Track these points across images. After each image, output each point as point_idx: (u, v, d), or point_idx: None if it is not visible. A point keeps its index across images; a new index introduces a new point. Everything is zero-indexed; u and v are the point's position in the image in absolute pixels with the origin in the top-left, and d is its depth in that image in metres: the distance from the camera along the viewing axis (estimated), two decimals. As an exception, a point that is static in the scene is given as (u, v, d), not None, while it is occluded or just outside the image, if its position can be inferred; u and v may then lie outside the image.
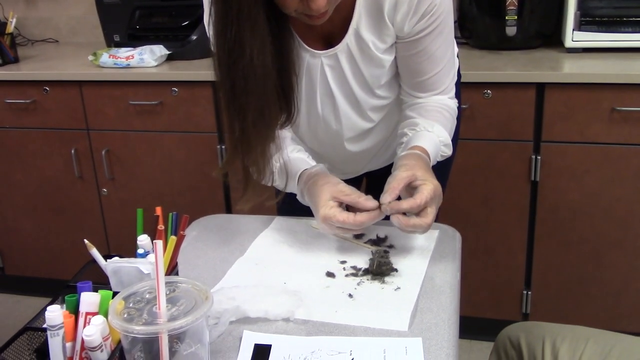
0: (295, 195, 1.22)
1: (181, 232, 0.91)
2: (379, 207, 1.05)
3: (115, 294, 0.77)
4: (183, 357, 0.74)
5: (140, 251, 0.94)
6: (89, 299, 0.77)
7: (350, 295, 1.01)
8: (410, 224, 1.03)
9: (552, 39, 2.29)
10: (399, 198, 1.05)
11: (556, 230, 2.10)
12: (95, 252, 0.91)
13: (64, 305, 0.79)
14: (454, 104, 1.27)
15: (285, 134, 1.24)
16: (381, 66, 1.20)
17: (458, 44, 1.36)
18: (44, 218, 2.65)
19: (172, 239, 0.90)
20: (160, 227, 0.88)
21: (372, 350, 0.87)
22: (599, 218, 2.05)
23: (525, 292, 2.20)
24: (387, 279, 1.05)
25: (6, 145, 2.56)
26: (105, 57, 2.36)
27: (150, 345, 0.72)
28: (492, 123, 2.04)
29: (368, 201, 1.05)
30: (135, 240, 0.95)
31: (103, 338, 0.75)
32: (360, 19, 1.14)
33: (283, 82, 1.12)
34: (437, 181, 1.07)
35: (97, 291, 0.78)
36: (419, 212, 1.04)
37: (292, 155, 1.21)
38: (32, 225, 2.68)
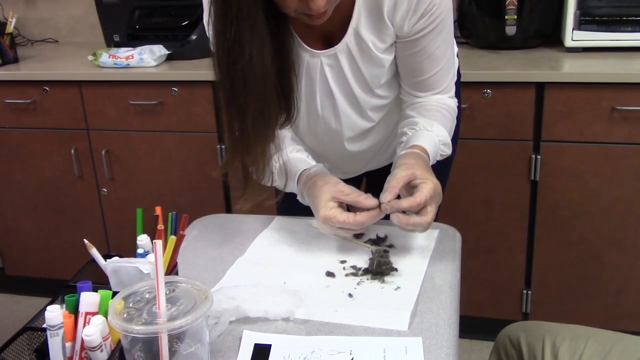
0: (294, 194, 1.22)
1: (181, 232, 0.91)
2: (379, 205, 1.05)
3: (115, 293, 0.77)
4: (183, 357, 0.74)
5: (140, 251, 0.94)
6: (88, 299, 0.77)
7: (350, 295, 1.01)
8: (410, 223, 1.03)
9: (551, 38, 2.29)
10: (398, 197, 1.05)
11: (556, 230, 2.10)
12: (94, 252, 0.91)
13: (64, 305, 0.79)
14: (453, 103, 1.27)
15: (285, 134, 1.24)
16: (381, 66, 1.20)
17: (458, 43, 1.36)
18: (44, 218, 2.65)
19: (172, 239, 0.90)
20: (160, 226, 0.88)
21: (372, 350, 0.87)
22: (599, 217, 2.05)
23: (525, 291, 2.20)
24: (387, 278, 1.05)
25: (6, 145, 2.56)
26: (105, 57, 2.36)
27: (150, 345, 0.72)
28: (492, 122, 2.04)
29: (368, 200, 1.05)
30: (135, 240, 0.95)
31: (103, 338, 0.75)
32: (359, 18, 1.14)
33: (282, 82, 1.12)
34: (437, 180, 1.07)
35: (96, 291, 0.78)
36: (418, 210, 1.04)
37: (291, 155, 1.21)
38: (32, 225, 2.68)
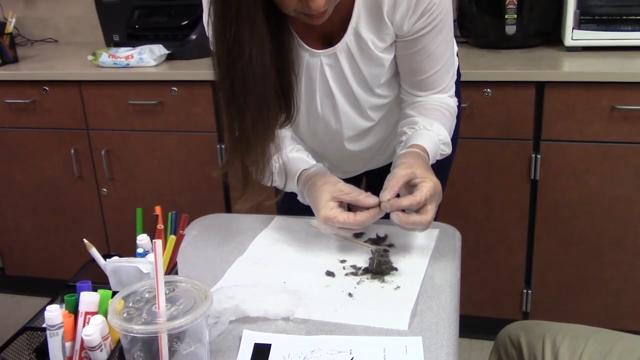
0: (294, 194, 1.22)
1: (180, 232, 0.90)
2: (379, 204, 1.04)
3: (114, 293, 0.77)
4: (183, 357, 0.74)
5: (139, 250, 0.94)
6: (88, 299, 0.77)
7: (350, 295, 1.01)
8: (410, 221, 1.03)
9: (551, 37, 2.29)
10: (398, 196, 1.05)
11: (556, 229, 2.10)
12: (94, 252, 0.91)
13: (64, 304, 0.79)
14: (453, 102, 1.27)
15: (285, 134, 1.24)
16: (381, 65, 1.20)
17: (457, 42, 1.36)
18: (44, 218, 2.65)
19: (172, 239, 0.90)
20: (160, 226, 0.88)
21: (372, 349, 0.87)
22: (599, 217, 2.05)
23: (525, 290, 2.20)
24: (387, 278, 1.05)
25: (6, 145, 2.56)
26: (105, 57, 2.36)
27: (150, 344, 0.72)
28: (492, 122, 2.04)
29: (368, 198, 1.05)
30: (135, 239, 0.94)
31: (102, 337, 0.75)
32: (359, 18, 1.14)
33: (282, 81, 1.12)
34: (437, 179, 1.07)
35: (96, 291, 0.78)
36: (418, 209, 1.04)
37: (291, 155, 1.21)
38: (31, 225, 2.68)
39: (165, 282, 0.75)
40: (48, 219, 2.65)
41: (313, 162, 1.21)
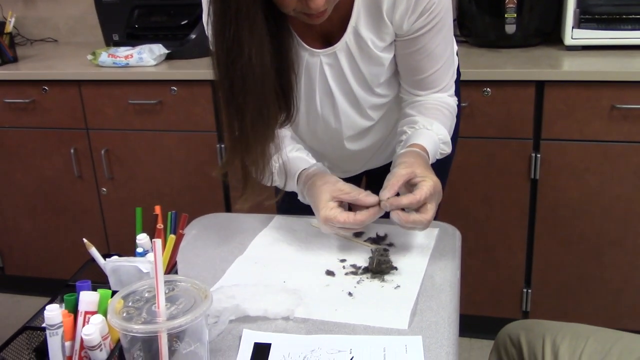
0: (294, 194, 1.21)
1: (180, 231, 0.90)
2: (379, 203, 1.04)
3: (114, 293, 0.77)
4: (182, 356, 0.74)
5: (139, 250, 0.94)
6: (88, 298, 0.77)
7: (350, 294, 1.01)
8: (410, 220, 1.03)
9: (551, 36, 2.29)
10: (397, 195, 1.05)
11: (556, 228, 2.10)
12: (94, 251, 0.91)
13: (63, 304, 0.79)
14: (453, 101, 1.27)
15: (285, 133, 1.24)
16: (380, 64, 1.20)
17: (457, 42, 1.36)
18: (44, 218, 2.65)
19: (171, 238, 0.90)
20: (159, 226, 0.88)
21: (372, 348, 0.87)
22: (599, 216, 2.05)
23: (525, 290, 2.20)
24: (386, 277, 1.05)
25: (5, 145, 2.56)
26: (104, 57, 2.36)
27: (150, 344, 0.72)
28: (492, 121, 2.04)
29: (368, 197, 1.05)
30: (135, 239, 0.94)
31: (102, 337, 0.75)
32: (359, 17, 1.14)
33: (282, 81, 1.12)
34: (437, 178, 1.07)
35: (96, 290, 0.78)
36: (418, 208, 1.04)
37: (290, 155, 1.21)
38: (31, 225, 2.68)
39: (165, 282, 0.75)
40: (48, 218, 2.65)
41: (313, 161, 1.21)
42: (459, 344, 0.93)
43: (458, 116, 1.30)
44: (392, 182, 1.04)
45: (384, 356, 0.85)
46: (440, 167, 1.20)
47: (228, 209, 2.43)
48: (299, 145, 1.26)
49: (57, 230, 2.66)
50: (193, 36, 2.43)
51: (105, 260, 0.91)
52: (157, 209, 0.92)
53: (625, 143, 1.95)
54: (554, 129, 1.99)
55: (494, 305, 2.26)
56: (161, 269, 0.73)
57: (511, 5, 2.09)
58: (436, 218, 1.09)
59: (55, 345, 0.77)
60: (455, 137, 1.32)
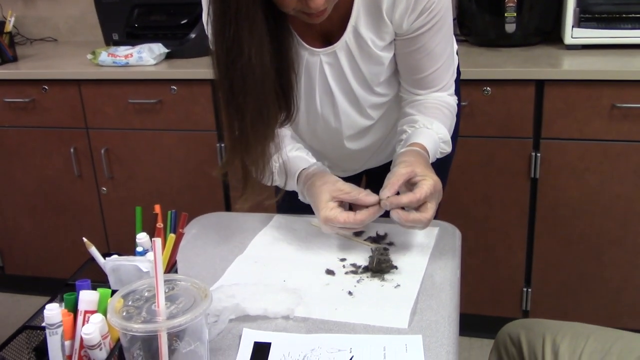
0: (294, 193, 1.21)
1: (180, 230, 0.90)
2: (379, 202, 1.04)
3: (114, 292, 0.77)
4: (182, 355, 0.74)
5: (139, 249, 0.94)
6: (87, 297, 0.77)
7: (350, 293, 1.01)
8: (409, 219, 1.03)
9: (551, 35, 2.29)
10: (397, 194, 1.05)
11: (556, 228, 2.10)
12: (94, 251, 0.91)
13: (63, 303, 0.79)
14: (453, 100, 1.27)
15: (285, 132, 1.24)
16: (380, 63, 1.20)
17: (457, 41, 1.36)
18: (44, 217, 2.65)
19: (171, 237, 0.90)
20: (159, 225, 0.88)
21: (372, 347, 0.87)
22: (599, 215, 2.05)
23: (525, 289, 2.20)
24: (386, 276, 1.05)
25: (5, 144, 2.56)
26: (104, 56, 2.36)
27: (150, 343, 0.72)
28: (492, 120, 2.04)
29: (369, 197, 1.05)
30: (134, 238, 0.94)
31: (102, 336, 0.75)
32: (358, 16, 1.14)
33: (282, 80, 1.11)
34: (437, 177, 1.07)
35: (96, 289, 0.78)
36: (418, 207, 1.04)
37: (291, 154, 1.21)
38: (31, 225, 2.68)
39: (165, 281, 0.75)
40: (48, 218, 2.65)
41: (313, 160, 1.21)
42: (459, 343, 0.93)
43: (458, 115, 1.30)
44: (393, 181, 1.04)
45: (384, 355, 0.85)
46: (441, 166, 1.20)
47: (228, 208, 2.43)
48: (299, 144, 1.26)
49: (57, 230, 2.66)
50: (193, 35, 2.43)
51: (105, 259, 0.91)
52: (157, 208, 0.92)
53: (625, 142, 1.95)
54: (554, 128, 1.99)
55: (494, 305, 2.26)
56: (161, 268, 0.73)
57: (511, 4, 2.09)
58: (436, 217, 1.09)
59: (55, 344, 0.77)
60: (455, 136, 1.31)
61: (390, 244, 1.16)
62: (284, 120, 1.16)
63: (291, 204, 1.25)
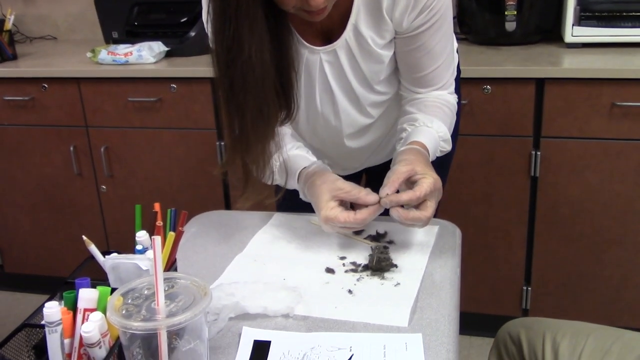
0: (294, 192, 1.21)
1: (180, 228, 0.90)
2: (380, 201, 1.04)
3: (113, 290, 0.77)
4: (182, 354, 0.74)
5: (138, 247, 0.94)
6: (87, 295, 0.77)
7: (349, 291, 1.01)
8: (409, 217, 1.03)
9: (551, 34, 2.29)
10: (397, 192, 1.05)
11: (556, 226, 2.09)
12: (93, 249, 0.91)
13: (62, 301, 0.79)
14: (453, 99, 1.27)
15: (285, 131, 1.24)
16: (380, 62, 1.20)
17: (457, 39, 1.36)
18: (43, 215, 2.65)
19: (171, 235, 0.90)
20: (159, 223, 0.88)
21: (372, 346, 0.87)
22: (599, 213, 2.05)
23: (525, 287, 2.20)
24: (386, 274, 1.05)
25: (5, 142, 2.55)
26: (104, 54, 2.36)
27: (149, 341, 0.72)
28: (492, 119, 2.03)
29: (369, 196, 1.05)
30: (134, 236, 0.94)
31: (101, 334, 0.75)
32: (358, 14, 1.13)
33: (282, 79, 1.11)
34: (437, 175, 1.06)
35: (95, 287, 0.78)
36: (418, 205, 1.04)
37: (291, 153, 1.21)
38: (31, 223, 2.68)
39: (165, 279, 0.75)
40: (47, 216, 2.64)
41: (313, 159, 1.21)
42: (459, 341, 0.93)
43: (458, 114, 1.30)
44: (393, 179, 1.04)
45: (384, 354, 0.85)
46: (441, 165, 1.20)
47: (228, 206, 2.43)
48: (299, 143, 1.26)
49: (56, 228, 2.65)
50: (192, 34, 2.43)
51: (104, 257, 0.91)
52: (157, 207, 0.92)
53: (625, 141, 1.95)
54: (554, 127, 1.99)
55: (494, 303, 2.26)
56: (160, 266, 0.73)
57: (511, 3, 2.09)
58: (436, 215, 1.09)
59: (54, 342, 0.77)
60: (455, 135, 1.31)
61: (390, 242, 1.16)
62: (284, 118, 1.16)
63: (291, 203, 1.25)
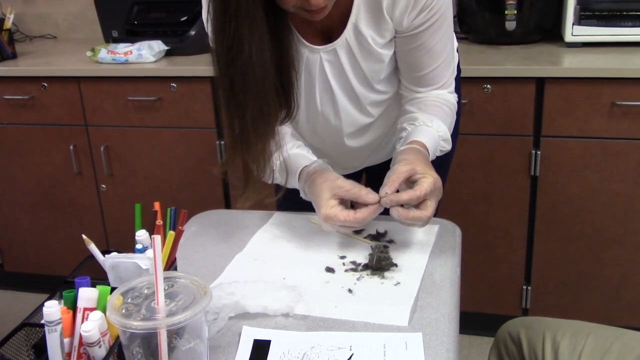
0: (294, 192, 1.21)
1: (180, 228, 0.90)
2: (379, 200, 1.04)
3: (113, 289, 0.77)
4: (182, 353, 0.74)
5: (138, 246, 0.93)
6: (87, 295, 0.77)
7: (349, 291, 1.01)
8: (409, 217, 1.03)
9: (551, 33, 2.29)
10: (397, 192, 1.04)
11: (556, 225, 2.09)
12: (93, 248, 0.91)
13: (62, 300, 0.78)
14: (453, 98, 1.27)
15: (285, 130, 1.24)
16: (380, 61, 1.20)
17: (457, 38, 1.36)
18: (43, 214, 2.65)
19: (171, 234, 0.89)
20: (159, 222, 0.88)
21: (372, 345, 0.87)
22: (599, 213, 2.04)
23: (525, 287, 2.20)
24: (386, 274, 1.05)
25: (4, 141, 2.55)
26: (104, 53, 2.36)
27: (149, 340, 0.71)
28: (492, 118, 2.03)
29: (369, 194, 1.05)
30: (134, 235, 0.94)
31: (101, 334, 0.75)
32: (359, 13, 1.13)
33: (282, 78, 1.11)
34: (437, 175, 1.06)
35: (95, 287, 0.78)
36: (418, 204, 1.04)
37: (291, 152, 1.21)
38: (30, 222, 2.68)
39: (165, 278, 0.75)
40: (47, 215, 2.64)
41: (314, 158, 1.21)
42: (459, 340, 0.93)
43: (458, 113, 1.30)
44: (393, 179, 1.04)
45: (384, 353, 0.85)
46: (441, 164, 1.20)
47: (227, 205, 2.43)
48: (300, 142, 1.26)
49: (56, 227, 2.65)
50: (192, 33, 2.42)
51: (104, 256, 0.90)
52: (157, 206, 0.92)
53: (625, 140, 1.95)
54: (554, 126, 1.99)
55: (494, 303, 2.26)
56: (160, 265, 0.73)
57: (511, 2, 2.09)
58: (436, 215, 1.08)
59: (54, 341, 0.77)
60: (455, 134, 1.31)
61: (390, 241, 1.15)
62: (284, 117, 1.16)
63: (291, 202, 1.24)
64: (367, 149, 1.39)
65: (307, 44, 1.17)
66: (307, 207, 1.18)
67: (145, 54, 2.32)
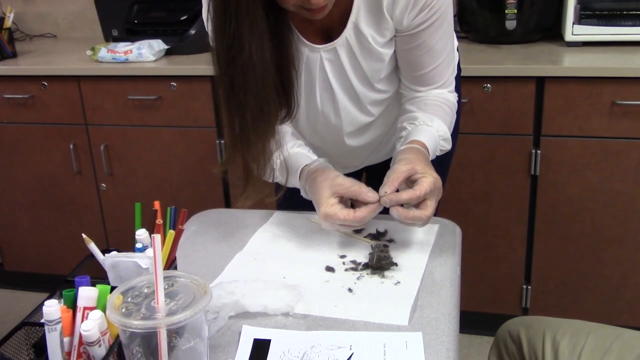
0: (295, 191, 1.21)
1: (180, 227, 0.90)
2: (379, 199, 1.04)
3: (113, 288, 0.77)
4: (182, 352, 0.74)
5: (138, 246, 0.93)
6: (86, 294, 0.77)
7: (350, 290, 1.01)
8: (409, 216, 1.03)
9: (552, 32, 2.29)
10: (397, 191, 1.04)
11: (556, 225, 2.09)
12: (93, 247, 0.90)
13: (62, 299, 0.78)
14: (453, 97, 1.26)
15: (286, 129, 1.24)
16: (380, 60, 1.20)
17: (457, 38, 1.36)
18: (43, 213, 2.65)
19: (171, 234, 0.89)
20: (159, 221, 0.88)
21: (372, 345, 0.87)
22: (599, 212, 2.04)
23: (525, 286, 2.20)
24: (386, 273, 1.05)
25: (4, 140, 2.55)
26: (104, 52, 2.35)
27: (149, 340, 0.71)
28: (492, 117, 2.03)
29: (369, 193, 1.05)
30: (134, 234, 0.94)
31: (101, 333, 0.75)
32: (359, 12, 1.13)
33: (282, 77, 1.11)
34: (437, 174, 1.06)
35: (95, 286, 0.78)
36: (418, 204, 1.03)
37: (292, 151, 1.21)
38: (30, 221, 2.68)
39: (164, 277, 0.75)
40: (47, 214, 2.64)
41: (314, 157, 1.21)
42: (459, 340, 0.93)
43: (458, 112, 1.30)
44: (393, 178, 1.04)
45: (384, 352, 0.85)
46: (441, 163, 1.20)
47: (228, 204, 2.43)
48: (300, 141, 1.26)
49: (56, 226, 2.65)
50: (192, 32, 2.42)
51: (104, 255, 0.90)
52: (157, 205, 0.92)
53: (625, 139, 1.95)
54: (554, 125, 1.99)
55: (494, 302, 2.26)
56: (160, 264, 0.73)
57: (511, 1, 2.09)
58: (436, 214, 1.08)
59: (54, 340, 0.77)
60: (455, 134, 1.31)
61: (390, 241, 1.15)
62: (285, 116, 1.16)
63: (291, 201, 1.24)
64: (367, 148, 1.39)
65: (308, 43, 1.17)
66: (307, 206, 1.18)
67: (145, 53, 2.32)
